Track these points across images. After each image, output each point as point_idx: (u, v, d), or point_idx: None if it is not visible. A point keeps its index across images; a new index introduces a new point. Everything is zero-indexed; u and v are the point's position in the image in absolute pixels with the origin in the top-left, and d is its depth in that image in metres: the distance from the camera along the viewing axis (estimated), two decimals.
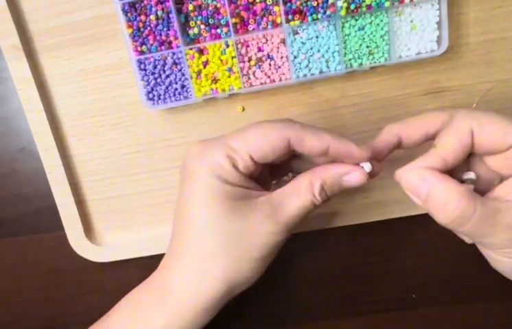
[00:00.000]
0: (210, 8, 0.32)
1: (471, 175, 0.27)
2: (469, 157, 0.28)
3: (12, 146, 0.40)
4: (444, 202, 0.24)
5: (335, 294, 0.39)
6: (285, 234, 0.28)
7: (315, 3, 0.31)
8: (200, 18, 0.32)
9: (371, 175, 0.28)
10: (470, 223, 0.23)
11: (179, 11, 0.32)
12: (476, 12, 0.32)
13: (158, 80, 0.34)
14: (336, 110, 0.35)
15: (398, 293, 0.38)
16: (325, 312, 0.39)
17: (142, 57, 0.33)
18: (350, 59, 0.33)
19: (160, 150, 0.37)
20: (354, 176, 0.28)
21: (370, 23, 0.32)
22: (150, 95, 0.34)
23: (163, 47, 0.33)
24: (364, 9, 0.31)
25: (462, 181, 0.27)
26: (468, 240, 0.29)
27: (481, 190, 0.27)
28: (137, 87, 0.34)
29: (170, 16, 0.32)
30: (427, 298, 0.38)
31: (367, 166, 0.28)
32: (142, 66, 0.33)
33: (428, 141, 0.28)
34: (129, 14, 0.32)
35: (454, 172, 0.27)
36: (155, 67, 0.33)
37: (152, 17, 0.32)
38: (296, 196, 0.27)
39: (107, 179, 0.39)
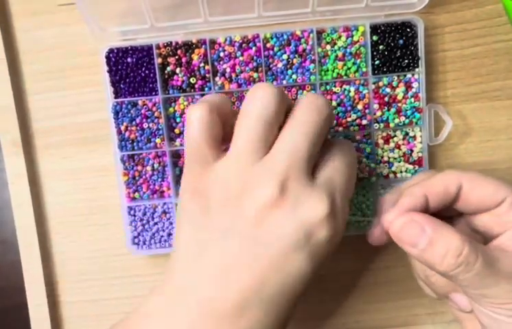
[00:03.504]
0: None
1: None
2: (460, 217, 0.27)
3: None
4: (446, 249, 0.22)
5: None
6: None
7: None
8: None
9: None
10: (473, 270, 0.22)
11: (175, 165, 0.33)
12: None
13: (146, 226, 0.34)
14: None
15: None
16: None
17: (133, 204, 0.34)
18: None
19: (138, 282, 0.37)
20: None
21: (357, 194, 0.33)
22: (136, 240, 0.34)
23: (155, 195, 0.33)
24: None
25: None
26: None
27: None
28: None
29: (166, 169, 0.33)
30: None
31: None
32: (132, 212, 0.34)
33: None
34: (126, 164, 0.33)
35: None
36: (144, 214, 0.34)
37: (148, 168, 0.32)
38: None
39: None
